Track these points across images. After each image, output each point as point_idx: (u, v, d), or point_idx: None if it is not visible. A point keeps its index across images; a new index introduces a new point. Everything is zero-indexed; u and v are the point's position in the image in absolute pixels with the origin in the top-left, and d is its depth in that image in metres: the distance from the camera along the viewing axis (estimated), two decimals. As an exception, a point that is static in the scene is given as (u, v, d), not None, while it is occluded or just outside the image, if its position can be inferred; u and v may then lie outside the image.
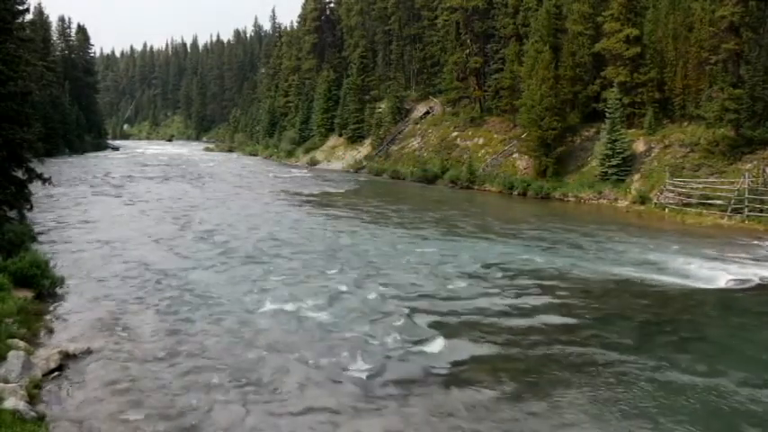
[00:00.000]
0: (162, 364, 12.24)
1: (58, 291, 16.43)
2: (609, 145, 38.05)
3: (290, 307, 15.92)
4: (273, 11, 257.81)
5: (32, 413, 9.71)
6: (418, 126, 61.35)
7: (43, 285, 15.91)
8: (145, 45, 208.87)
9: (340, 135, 70.25)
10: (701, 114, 35.37)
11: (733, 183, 31.26)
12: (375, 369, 12.20)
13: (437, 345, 13.56)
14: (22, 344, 12.04)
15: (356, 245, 24.15)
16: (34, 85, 21.19)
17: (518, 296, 17.39)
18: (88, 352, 12.49)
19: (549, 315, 15.79)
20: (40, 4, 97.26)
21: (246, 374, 11.87)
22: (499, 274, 19.68)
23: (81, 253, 21.61)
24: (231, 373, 11.91)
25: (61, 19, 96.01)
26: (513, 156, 47.12)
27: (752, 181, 30.56)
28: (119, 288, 17.28)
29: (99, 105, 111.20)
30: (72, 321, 14.51)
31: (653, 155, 37.77)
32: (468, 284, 18.46)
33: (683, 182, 33.70)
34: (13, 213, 19.31)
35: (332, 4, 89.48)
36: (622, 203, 36.36)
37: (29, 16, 29.01)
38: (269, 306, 16.01)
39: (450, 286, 18.29)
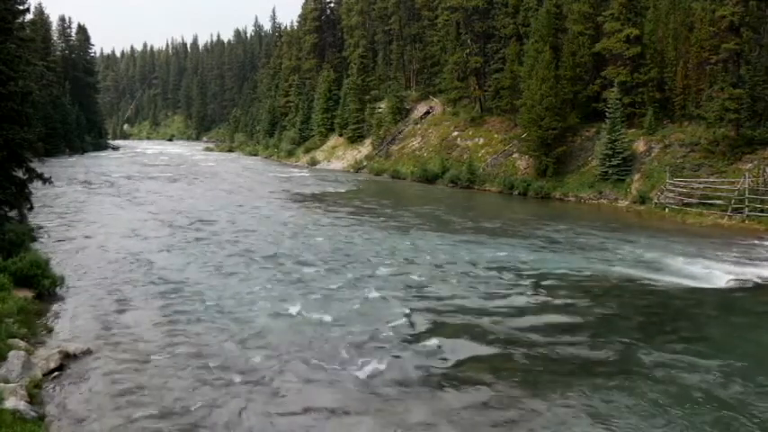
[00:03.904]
0: (162, 363, 12.24)
1: (58, 290, 16.45)
2: (609, 145, 38.06)
3: (289, 306, 15.93)
4: (273, 11, 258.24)
5: (33, 413, 9.72)
6: (418, 126, 61.34)
7: (43, 285, 15.94)
8: (145, 45, 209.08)
9: (340, 135, 70.23)
10: (701, 114, 35.38)
11: (733, 183, 31.26)
12: (374, 368, 12.21)
13: (436, 344, 13.57)
14: (22, 344, 12.06)
15: (356, 244, 24.14)
16: (34, 85, 21.11)
17: (517, 295, 17.39)
18: (88, 352, 12.50)
19: (548, 315, 15.80)
20: (40, 3, 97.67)
21: (246, 373, 11.87)
22: (498, 274, 19.68)
23: (81, 252, 21.63)
24: (231, 372, 11.91)
25: (61, 19, 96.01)
26: (514, 156, 47.11)
27: (752, 181, 30.55)
28: (119, 287, 17.29)
29: (99, 105, 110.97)
30: (72, 321, 14.53)
31: (653, 155, 37.77)
32: (468, 284, 18.47)
33: (684, 182, 33.70)
34: (13, 213, 19.31)
35: (332, 4, 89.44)
36: (622, 203, 36.37)
37: (29, 16, 29.03)
38: (269, 305, 16.02)
39: (448, 286, 18.30)
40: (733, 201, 30.37)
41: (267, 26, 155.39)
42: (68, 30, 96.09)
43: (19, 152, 18.32)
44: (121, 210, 32.80)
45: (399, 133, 62.35)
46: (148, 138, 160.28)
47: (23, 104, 18.36)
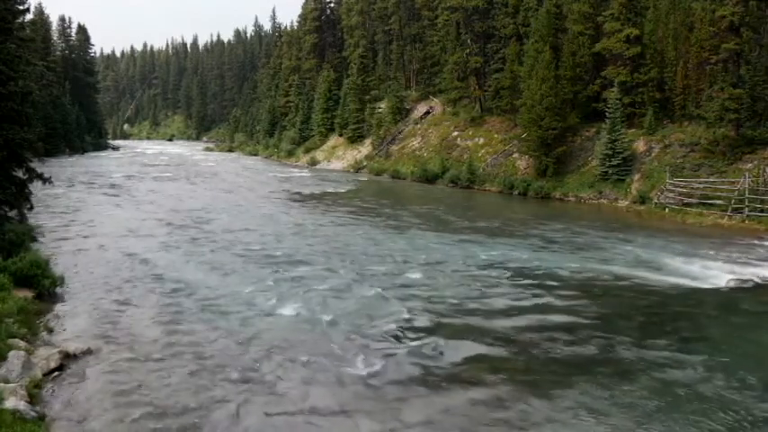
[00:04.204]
0: (162, 363, 12.25)
1: (58, 290, 16.45)
2: (609, 145, 38.08)
3: (287, 305, 15.95)
4: (273, 11, 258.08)
5: (33, 413, 9.72)
6: (418, 126, 61.34)
7: (43, 285, 15.93)
8: (145, 45, 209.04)
9: (340, 135, 70.24)
10: (701, 114, 35.38)
11: (733, 183, 31.27)
12: (373, 367, 12.22)
13: (435, 343, 13.57)
14: (22, 344, 12.05)
15: (355, 244, 24.14)
16: (34, 85, 21.08)
17: (517, 295, 17.40)
18: (88, 352, 12.51)
19: (548, 314, 15.80)
20: (40, 3, 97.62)
21: (246, 373, 11.88)
22: (497, 273, 19.68)
23: (81, 252, 21.63)
24: (230, 370, 11.92)
25: (61, 19, 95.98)
26: (514, 155, 47.11)
27: (752, 181, 30.55)
28: (119, 287, 17.30)
29: (99, 105, 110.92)
30: (72, 321, 14.53)
31: (653, 155, 37.77)
32: (467, 283, 18.46)
33: (684, 182, 33.70)
34: (13, 213, 19.31)
35: (332, 4, 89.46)
36: (622, 203, 36.37)
37: (29, 16, 29.02)
38: (267, 304, 16.03)
39: (447, 285, 18.29)
40: (733, 201, 30.38)
41: (267, 26, 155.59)
42: (68, 30, 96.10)
43: (19, 152, 18.32)
44: (121, 209, 32.80)
45: (399, 133, 62.35)
46: (148, 138, 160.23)
47: (23, 104, 18.36)
